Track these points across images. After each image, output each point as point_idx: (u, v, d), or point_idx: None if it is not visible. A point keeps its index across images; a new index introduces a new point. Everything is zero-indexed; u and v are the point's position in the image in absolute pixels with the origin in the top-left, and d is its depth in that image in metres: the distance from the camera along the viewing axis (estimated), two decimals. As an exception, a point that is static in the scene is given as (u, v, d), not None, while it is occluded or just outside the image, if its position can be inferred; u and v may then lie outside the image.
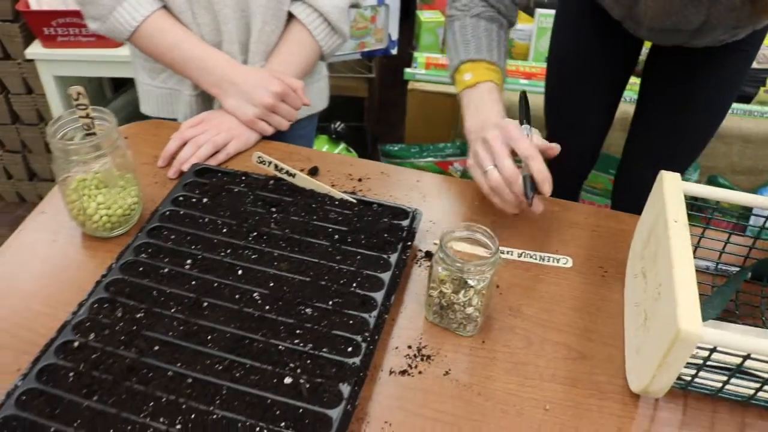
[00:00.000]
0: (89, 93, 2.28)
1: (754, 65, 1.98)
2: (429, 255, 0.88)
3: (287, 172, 0.91)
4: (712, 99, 1.24)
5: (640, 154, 1.40)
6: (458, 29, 1.05)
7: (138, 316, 0.74)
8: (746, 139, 2.00)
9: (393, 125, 2.53)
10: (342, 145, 2.16)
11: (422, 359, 0.74)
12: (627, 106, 1.62)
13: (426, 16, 2.22)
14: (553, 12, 2.08)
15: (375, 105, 2.48)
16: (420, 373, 0.73)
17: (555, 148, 0.91)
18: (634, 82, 1.55)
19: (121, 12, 1.05)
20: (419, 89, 2.10)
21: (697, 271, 0.85)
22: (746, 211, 1.94)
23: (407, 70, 2.11)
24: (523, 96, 0.96)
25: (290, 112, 1.09)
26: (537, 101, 1.99)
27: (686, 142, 1.29)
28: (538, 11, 2.12)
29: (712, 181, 2.04)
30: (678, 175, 0.78)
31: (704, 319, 0.76)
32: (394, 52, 2.27)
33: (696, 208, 0.82)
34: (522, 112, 0.94)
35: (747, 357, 0.62)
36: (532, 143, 0.88)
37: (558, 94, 1.42)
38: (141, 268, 0.80)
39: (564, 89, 1.40)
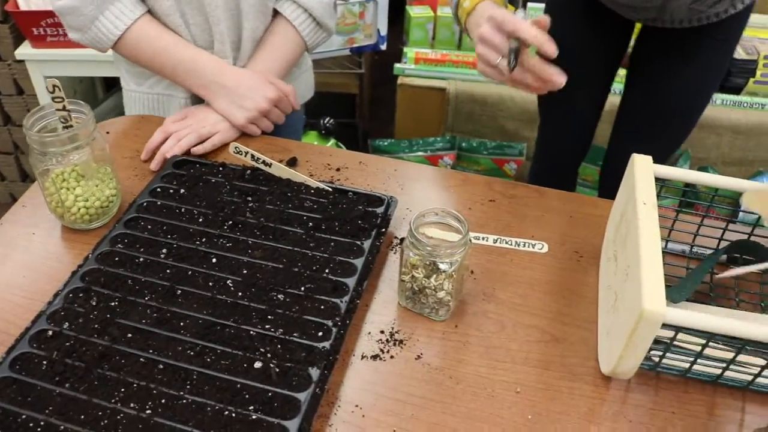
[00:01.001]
0: (81, 93, 2.30)
1: (744, 56, 1.99)
2: (405, 242, 0.88)
3: (264, 162, 0.91)
4: (691, 83, 1.25)
5: (624, 141, 1.40)
6: None
7: (112, 304, 0.75)
8: (736, 130, 2.00)
9: (385, 121, 2.53)
10: (332, 141, 2.16)
11: (394, 344, 0.75)
12: (615, 98, 1.62)
13: (415, 11, 2.22)
14: (537, 5, 2.09)
15: (366, 101, 2.48)
16: (392, 357, 0.73)
17: (544, 20, 0.86)
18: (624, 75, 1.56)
19: (103, 21, 1.04)
20: (409, 84, 2.10)
21: (672, 254, 0.87)
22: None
23: (397, 65, 2.12)
24: None
25: (280, 116, 1.10)
26: (526, 94, 2.00)
27: (668, 129, 1.30)
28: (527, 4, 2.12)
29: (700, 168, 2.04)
30: (649, 157, 0.78)
31: (676, 300, 0.76)
32: (384, 47, 2.28)
33: (688, 200, 0.83)
34: (516, 2, 0.93)
35: (711, 337, 0.62)
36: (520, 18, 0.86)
37: None
38: (117, 258, 0.80)
39: None
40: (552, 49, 0.83)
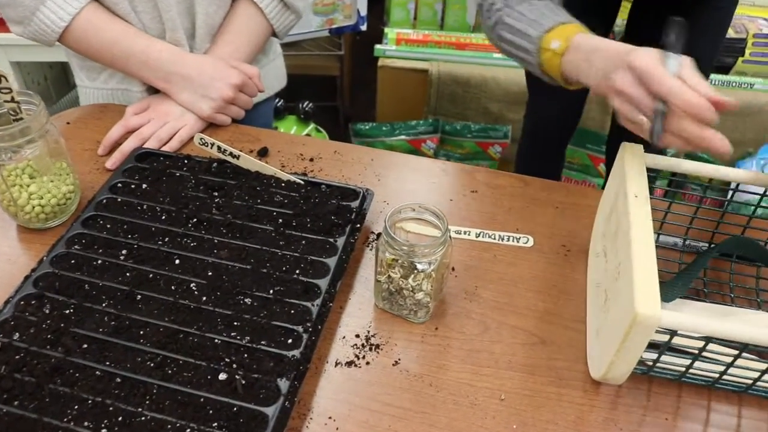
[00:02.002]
0: (52, 79, 2.22)
1: (732, 35, 1.94)
2: (383, 238, 0.83)
3: (231, 154, 0.86)
4: (694, 54, 1.21)
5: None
6: (513, 22, 0.84)
7: (67, 312, 0.69)
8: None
9: (366, 104, 2.47)
10: (311, 126, 2.10)
11: (370, 349, 0.70)
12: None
13: (396, -10, 2.16)
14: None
15: (346, 83, 2.42)
16: (368, 363, 0.68)
17: (728, 102, 0.65)
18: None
19: (45, 12, 0.95)
20: (390, 66, 2.04)
21: (664, 248, 0.82)
22: (726, 186, 1.91)
23: (377, 46, 2.05)
24: (677, 21, 0.71)
25: (248, 101, 1.04)
26: (511, 75, 1.95)
27: None
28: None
29: (690, 155, 2.00)
30: (640, 146, 0.74)
31: (669, 299, 0.72)
32: (364, 28, 2.21)
33: (676, 184, 0.79)
34: (671, 41, 0.69)
35: (709, 340, 0.58)
36: (670, 74, 0.65)
37: None
38: (73, 261, 0.75)
39: None
40: (712, 116, 0.64)
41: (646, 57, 0.67)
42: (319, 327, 0.68)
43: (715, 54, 1.23)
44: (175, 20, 1.01)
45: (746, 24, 1.97)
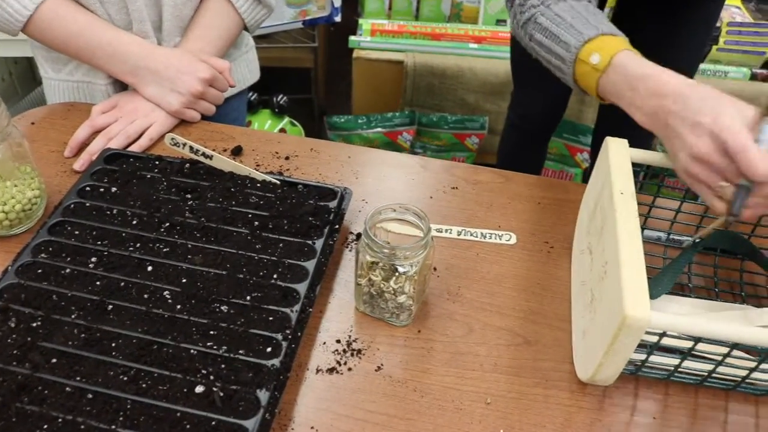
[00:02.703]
0: (17, 75, 2.16)
1: (706, 21, 1.94)
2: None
3: (203, 154, 0.83)
4: (686, 46, 1.20)
5: (617, 116, 1.35)
6: (548, 24, 0.79)
7: (34, 325, 0.66)
8: (700, 97, 1.96)
9: (342, 96, 2.44)
10: (286, 120, 2.06)
11: (352, 354, 0.68)
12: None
13: (370, -20, 2.13)
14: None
15: (321, 76, 2.39)
16: (350, 370, 0.67)
17: None
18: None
19: (8, 1, 0.91)
20: (365, 57, 2.02)
21: (648, 242, 0.81)
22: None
23: (352, 38, 2.02)
24: None
25: (218, 96, 1.01)
26: (487, 65, 1.93)
27: None
28: (486, -28, 2.04)
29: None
30: (625, 141, 0.72)
31: (656, 295, 0.71)
32: (338, 19, 2.17)
33: (651, 175, 0.77)
34: None
35: (698, 341, 0.57)
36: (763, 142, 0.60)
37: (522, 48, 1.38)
38: (39, 270, 0.72)
39: None
40: None
41: (734, 130, 0.60)
42: (299, 334, 0.66)
43: (706, 44, 1.23)
44: (142, 11, 0.97)
45: (720, 13, 1.97)
